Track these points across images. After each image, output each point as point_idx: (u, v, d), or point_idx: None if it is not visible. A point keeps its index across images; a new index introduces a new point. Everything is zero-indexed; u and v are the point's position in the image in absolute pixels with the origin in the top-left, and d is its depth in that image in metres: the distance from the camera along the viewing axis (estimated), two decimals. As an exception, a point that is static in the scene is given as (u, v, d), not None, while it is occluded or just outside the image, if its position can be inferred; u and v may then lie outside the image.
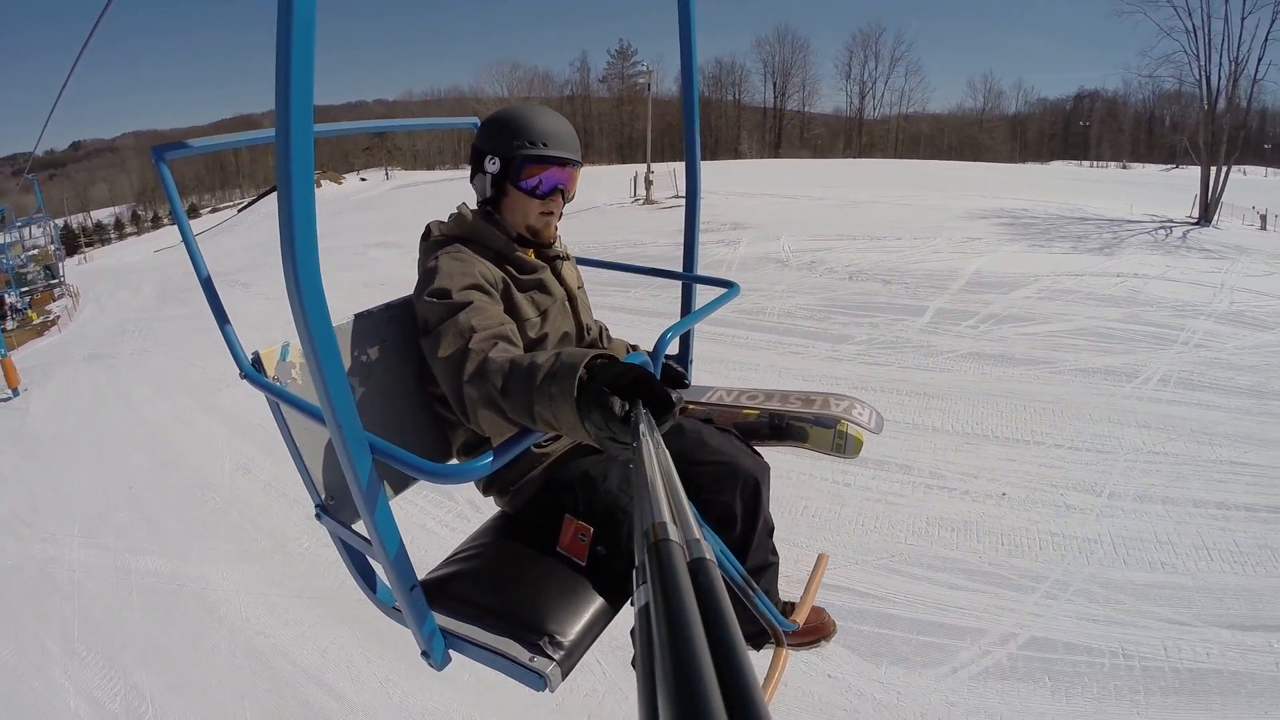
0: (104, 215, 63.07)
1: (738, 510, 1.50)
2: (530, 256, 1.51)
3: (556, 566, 1.39)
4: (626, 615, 1.26)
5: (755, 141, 69.74)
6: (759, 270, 12.63)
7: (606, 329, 1.80)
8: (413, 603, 1.14)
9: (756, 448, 1.66)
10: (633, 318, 8.99)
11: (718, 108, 67.87)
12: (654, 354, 1.37)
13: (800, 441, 1.80)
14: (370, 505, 0.97)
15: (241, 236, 30.96)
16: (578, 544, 1.40)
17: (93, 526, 6.50)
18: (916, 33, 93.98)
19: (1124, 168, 57.02)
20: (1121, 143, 63.53)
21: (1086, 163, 61.01)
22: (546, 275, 1.52)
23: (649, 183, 24.83)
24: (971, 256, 13.11)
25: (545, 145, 1.44)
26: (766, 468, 1.58)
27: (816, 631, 1.78)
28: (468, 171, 1.55)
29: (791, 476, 5.24)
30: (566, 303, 1.56)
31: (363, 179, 54.85)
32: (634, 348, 1.61)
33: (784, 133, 71.24)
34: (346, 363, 1.33)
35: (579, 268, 1.71)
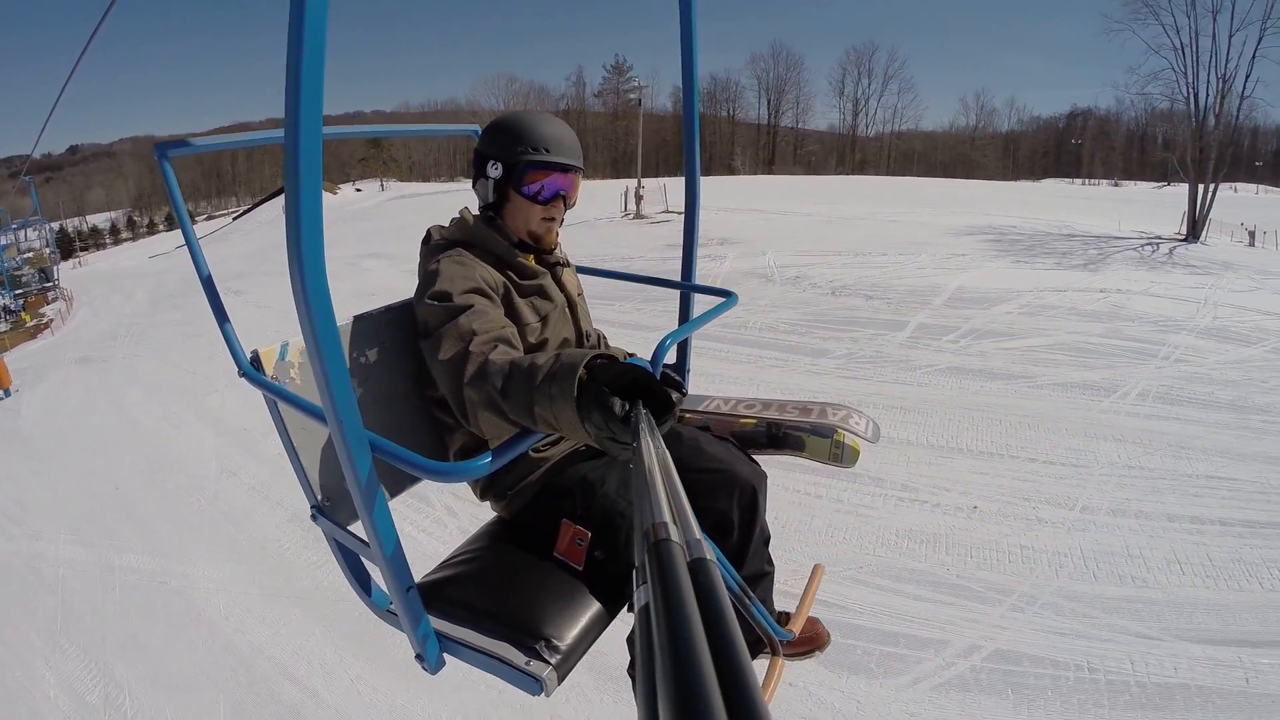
0: (100, 220, 63.29)
1: (734, 518, 1.50)
2: (531, 262, 1.51)
3: (553, 571, 1.38)
4: (620, 623, 1.33)
5: (749, 158, 70.26)
6: (743, 285, 12.68)
7: (605, 337, 1.81)
8: (408, 604, 1.13)
9: (754, 456, 1.67)
10: (618, 330, 8.86)
11: (712, 124, 68.25)
12: (652, 361, 1.34)
13: (797, 450, 1.80)
14: (369, 504, 0.97)
15: (236, 244, 31.01)
16: (575, 548, 1.40)
17: (80, 525, 6.60)
18: (909, 50, 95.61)
19: (1115, 185, 57.59)
20: (1114, 160, 64.24)
21: (1079, 180, 61.59)
22: (547, 281, 1.53)
23: (639, 198, 24.87)
24: (955, 272, 13.18)
25: (548, 151, 1.44)
26: (764, 476, 1.57)
27: (812, 642, 1.77)
28: (463, 184, 1.56)
29: (764, 488, 5.24)
30: (566, 309, 1.57)
31: (358, 189, 54.85)
32: (631, 355, 1.61)
33: (778, 149, 71.85)
34: (346, 364, 1.33)
35: (578, 276, 1.73)
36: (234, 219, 50.07)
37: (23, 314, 23.94)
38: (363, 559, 1.31)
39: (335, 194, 49.18)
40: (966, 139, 70.44)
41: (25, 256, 28.51)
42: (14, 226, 29.18)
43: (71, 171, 70.74)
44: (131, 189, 66.19)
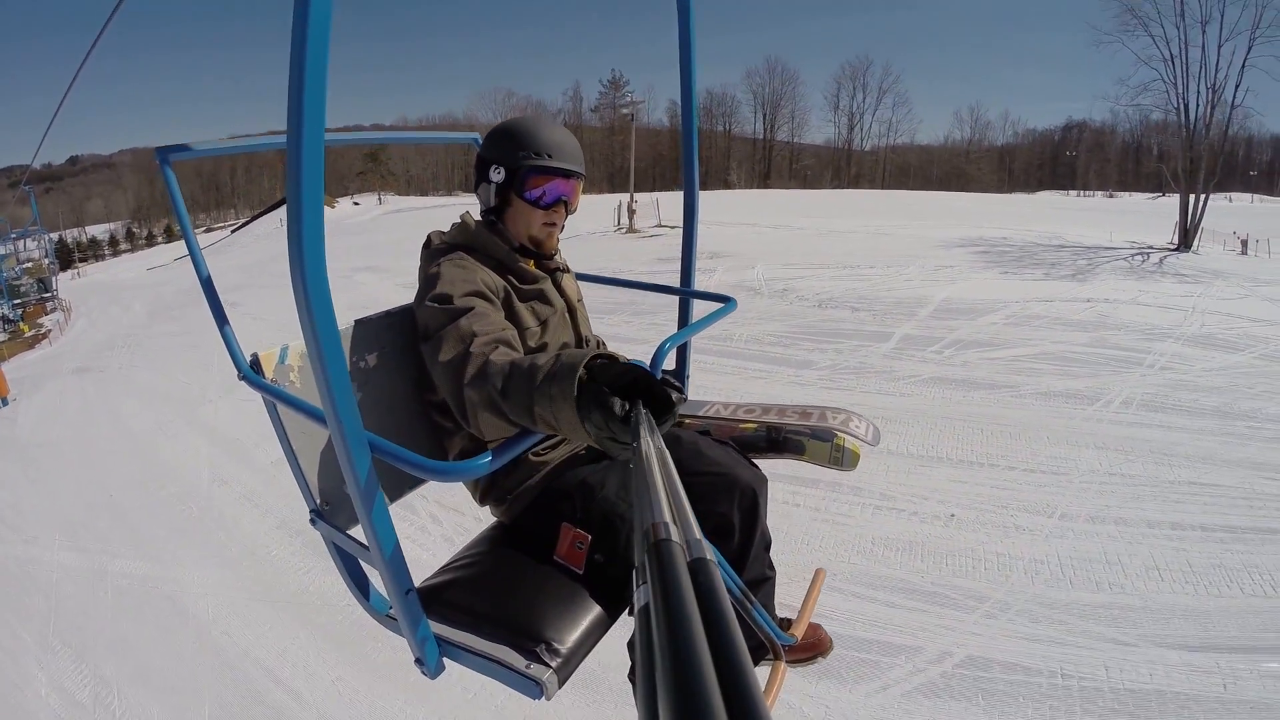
0: (99, 231, 63.38)
1: (735, 522, 1.49)
2: (531, 267, 1.52)
3: (553, 574, 1.38)
4: (620, 628, 1.30)
5: (745, 172, 70.59)
6: (731, 298, 12.73)
7: (604, 343, 1.82)
8: (408, 608, 1.12)
9: (754, 460, 1.67)
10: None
11: (708, 138, 68.42)
12: (652, 365, 1.34)
13: (797, 454, 1.80)
14: (368, 505, 0.97)
15: (233, 257, 31.03)
16: (575, 552, 1.39)
17: (74, 530, 6.68)
18: (904, 65, 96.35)
19: (1110, 196, 57.82)
20: (1109, 172, 64.56)
21: (1074, 192, 61.85)
22: (547, 286, 1.53)
23: (632, 212, 24.97)
24: (943, 284, 13.19)
25: (551, 156, 1.45)
26: (764, 480, 1.57)
27: (814, 647, 1.76)
28: (461, 198, 1.57)
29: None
30: (566, 314, 1.57)
31: (355, 203, 54.93)
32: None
33: (774, 164, 72.18)
34: (346, 365, 1.34)
35: (578, 283, 1.74)
36: (232, 232, 50.15)
37: (21, 324, 23.86)
38: (361, 563, 1.31)
39: (333, 207, 49.24)
40: (961, 152, 70.87)
41: (24, 266, 28.34)
42: (13, 236, 29.03)
43: (71, 182, 71.07)
44: (131, 201, 66.45)
